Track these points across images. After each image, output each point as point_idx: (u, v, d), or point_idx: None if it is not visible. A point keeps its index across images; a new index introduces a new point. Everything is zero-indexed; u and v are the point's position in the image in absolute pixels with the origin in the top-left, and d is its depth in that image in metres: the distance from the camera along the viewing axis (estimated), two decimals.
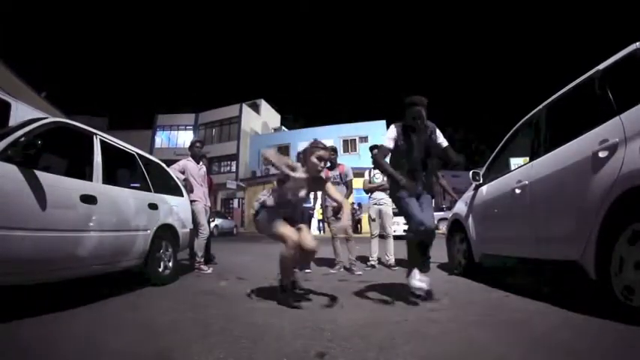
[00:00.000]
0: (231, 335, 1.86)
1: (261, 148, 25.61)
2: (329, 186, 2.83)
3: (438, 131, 2.79)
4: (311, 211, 5.12)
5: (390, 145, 2.76)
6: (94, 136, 2.91)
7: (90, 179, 2.71)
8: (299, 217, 2.84)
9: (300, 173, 2.63)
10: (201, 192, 4.74)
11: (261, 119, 30.11)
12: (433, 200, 2.91)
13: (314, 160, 2.61)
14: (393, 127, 2.79)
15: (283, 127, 30.88)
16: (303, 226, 2.80)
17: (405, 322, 2.12)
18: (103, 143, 2.96)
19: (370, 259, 4.87)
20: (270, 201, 2.71)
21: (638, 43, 1.98)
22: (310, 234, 2.81)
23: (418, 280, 2.59)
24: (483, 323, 2.04)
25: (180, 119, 29.58)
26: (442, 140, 2.79)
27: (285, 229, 2.63)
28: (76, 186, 2.52)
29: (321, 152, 2.63)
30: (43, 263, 2.20)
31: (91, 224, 2.56)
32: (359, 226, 17.83)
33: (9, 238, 1.93)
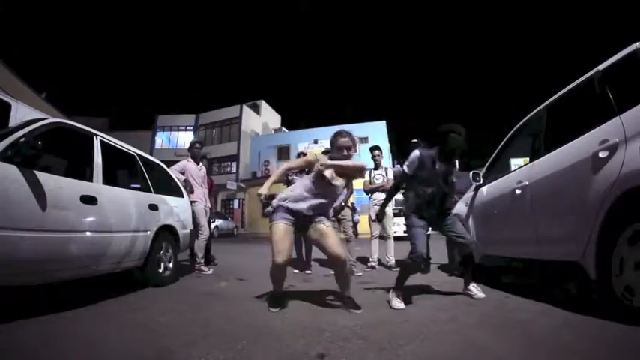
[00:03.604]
0: (231, 336, 1.86)
1: (262, 148, 25.76)
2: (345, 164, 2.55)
3: (456, 169, 2.85)
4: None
5: (409, 171, 2.75)
6: (94, 137, 2.92)
7: (90, 180, 2.71)
8: (324, 214, 2.55)
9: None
10: (201, 193, 4.74)
11: (261, 120, 30.12)
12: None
13: (335, 151, 2.54)
14: (415, 152, 2.73)
15: (283, 128, 30.88)
16: (325, 227, 2.48)
17: (406, 322, 2.11)
18: (103, 144, 2.97)
19: (370, 259, 4.87)
20: (287, 194, 2.53)
21: (638, 43, 1.98)
22: (336, 237, 2.51)
23: (399, 302, 2.55)
24: (483, 324, 2.04)
25: (181, 120, 29.59)
26: (454, 179, 2.82)
27: (278, 237, 2.39)
28: (77, 187, 2.52)
29: (338, 140, 2.53)
30: (43, 264, 2.20)
31: (91, 225, 2.56)
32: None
33: (9, 238, 1.93)
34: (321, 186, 2.47)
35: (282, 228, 2.42)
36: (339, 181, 2.49)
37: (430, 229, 2.81)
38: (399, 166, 2.96)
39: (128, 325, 2.12)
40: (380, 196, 4.88)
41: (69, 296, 2.63)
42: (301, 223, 2.51)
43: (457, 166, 2.85)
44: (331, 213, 4.61)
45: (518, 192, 2.84)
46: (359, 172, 2.61)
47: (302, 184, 2.56)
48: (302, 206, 2.46)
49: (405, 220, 2.79)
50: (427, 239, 2.68)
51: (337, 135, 2.56)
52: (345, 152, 2.52)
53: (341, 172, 2.51)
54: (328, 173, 2.44)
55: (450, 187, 2.76)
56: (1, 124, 2.29)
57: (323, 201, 2.51)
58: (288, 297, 2.74)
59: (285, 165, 2.81)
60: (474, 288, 2.80)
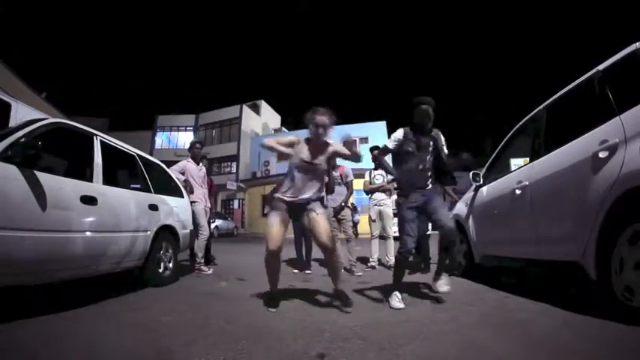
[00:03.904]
0: (231, 336, 1.86)
1: (262, 149, 25.67)
2: (335, 147, 2.61)
3: (442, 139, 2.78)
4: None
5: (391, 145, 2.76)
6: (94, 137, 2.91)
7: (90, 180, 2.71)
8: (313, 200, 2.53)
9: (301, 144, 2.57)
10: (201, 193, 4.74)
11: (261, 120, 30.13)
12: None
13: (311, 127, 2.55)
14: (400, 130, 2.78)
15: (283, 128, 30.88)
16: (315, 215, 2.50)
17: (406, 322, 2.11)
18: (103, 144, 2.97)
19: (370, 260, 4.87)
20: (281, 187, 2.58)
21: (638, 43, 1.98)
22: (326, 224, 2.51)
23: (398, 301, 2.52)
24: (483, 324, 2.04)
25: (181, 120, 29.60)
26: (444, 150, 2.77)
27: (272, 225, 2.46)
28: (76, 187, 2.52)
29: (315, 118, 2.52)
30: (43, 264, 2.20)
31: (91, 225, 2.56)
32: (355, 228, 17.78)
33: (9, 238, 1.92)
34: (302, 168, 2.52)
35: (276, 216, 2.50)
36: (319, 160, 2.53)
37: (430, 228, 2.80)
38: None
39: (128, 325, 2.12)
40: (380, 196, 4.88)
41: (69, 296, 2.63)
42: (295, 210, 2.54)
43: (442, 139, 2.78)
44: (331, 212, 4.65)
45: (518, 192, 2.84)
46: (356, 157, 2.59)
47: (288, 174, 2.60)
48: (291, 192, 2.53)
49: (397, 212, 2.78)
50: (427, 239, 2.66)
51: (314, 112, 2.54)
52: (321, 130, 2.52)
53: (318, 152, 2.54)
54: (304, 155, 2.51)
55: (440, 161, 2.71)
56: (1, 124, 2.29)
57: (309, 182, 2.53)
58: (285, 296, 2.74)
59: (273, 139, 2.63)
60: (444, 279, 2.73)
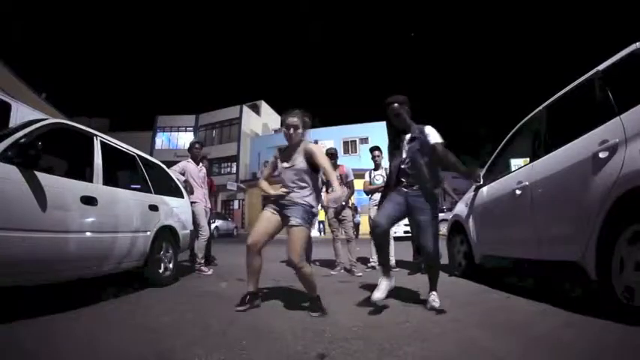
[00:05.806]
0: (231, 336, 1.86)
1: (262, 149, 25.74)
2: (313, 148, 2.56)
3: (427, 129, 2.57)
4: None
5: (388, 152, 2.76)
6: (95, 138, 2.92)
7: (90, 180, 2.71)
8: (292, 205, 2.50)
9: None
10: (201, 193, 4.74)
11: (261, 120, 30.15)
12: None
13: (284, 129, 2.61)
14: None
15: (283, 129, 30.86)
16: (290, 226, 2.45)
17: (406, 323, 2.11)
18: (103, 144, 2.97)
19: (371, 260, 4.87)
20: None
21: (638, 43, 1.98)
22: (299, 240, 2.41)
23: (385, 284, 2.48)
24: (484, 324, 2.04)
25: (181, 121, 29.60)
26: (432, 137, 2.54)
27: (257, 223, 2.57)
28: (77, 187, 2.52)
29: (286, 119, 2.58)
30: (43, 264, 2.20)
31: (91, 226, 2.56)
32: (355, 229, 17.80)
33: (9, 239, 1.92)
34: (283, 172, 2.59)
35: (263, 214, 2.58)
36: (296, 160, 2.56)
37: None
38: None
39: (128, 325, 2.12)
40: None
41: (69, 296, 2.63)
42: (282, 213, 2.54)
43: (426, 132, 2.57)
44: (331, 214, 4.65)
45: (518, 192, 2.84)
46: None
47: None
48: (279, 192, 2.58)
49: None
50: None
51: (287, 113, 2.60)
52: (292, 130, 2.55)
53: (293, 152, 2.59)
54: (284, 162, 2.60)
55: (426, 158, 2.52)
56: (2, 124, 2.29)
57: (294, 184, 2.54)
58: (285, 296, 2.74)
59: (263, 182, 2.77)
60: (432, 296, 2.55)
